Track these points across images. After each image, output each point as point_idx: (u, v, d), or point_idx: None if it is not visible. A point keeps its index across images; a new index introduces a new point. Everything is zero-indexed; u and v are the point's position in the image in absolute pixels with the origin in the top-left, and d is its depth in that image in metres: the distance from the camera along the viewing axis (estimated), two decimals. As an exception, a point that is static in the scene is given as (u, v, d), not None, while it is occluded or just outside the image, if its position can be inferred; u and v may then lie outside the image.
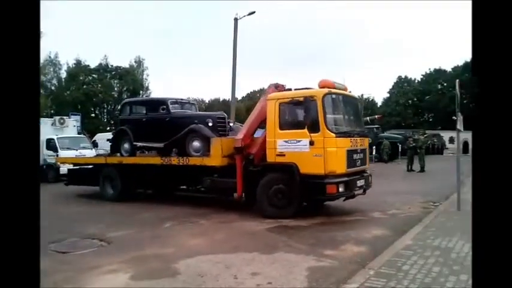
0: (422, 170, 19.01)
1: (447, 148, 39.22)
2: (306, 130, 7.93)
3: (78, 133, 20.82)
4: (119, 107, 13.91)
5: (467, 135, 41.11)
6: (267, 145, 8.53)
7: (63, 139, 17.88)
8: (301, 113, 8.14)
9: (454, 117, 8.88)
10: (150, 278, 4.89)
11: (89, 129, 33.25)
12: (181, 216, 8.76)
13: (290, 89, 9.14)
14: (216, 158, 9.11)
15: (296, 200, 8.29)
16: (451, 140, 38.37)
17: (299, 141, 8.03)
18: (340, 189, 7.88)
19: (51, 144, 17.47)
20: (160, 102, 11.17)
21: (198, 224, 8.13)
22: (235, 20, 24.09)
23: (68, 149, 17.03)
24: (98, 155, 15.92)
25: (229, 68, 24.49)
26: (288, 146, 8.17)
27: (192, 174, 9.95)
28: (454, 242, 5.96)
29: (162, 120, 10.73)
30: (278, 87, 9.13)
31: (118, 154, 11.83)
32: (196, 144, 9.87)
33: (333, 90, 8.32)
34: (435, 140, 36.52)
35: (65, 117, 20.63)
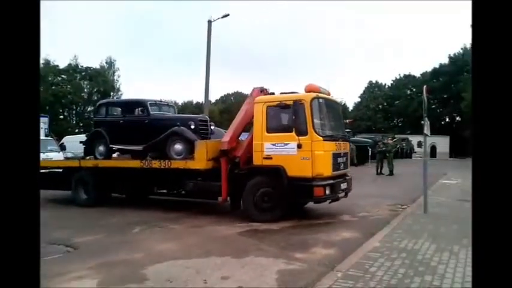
0: (391, 173, 19.47)
1: (416, 152, 40.32)
2: (293, 133, 8.03)
3: (46, 135, 20.20)
4: (95, 108, 13.30)
5: (435, 140, 42.63)
6: (253, 148, 8.54)
7: (29, 141, 17.31)
8: (289, 116, 8.24)
9: (422, 122, 9.14)
10: (117, 284, 4.79)
11: (57, 131, 32.32)
12: (151, 221, 8.62)
13: (273, 93, 9.25)
14: (200, 161, 8.97)
15: (282, 203, 8.31)
16: (420, 144, 39.45)
17: (286, 144, 8.10)
18: (327, 192, 8.03)
19: (16, 147, 16.88)
20: (139, 104, 10.87)
21: (168, 228, 8.03)
22: (209, 22, 24.04)
23: (34, 151, 16.50)
24: (66, 158, 15.50)
25: (203, 71, 24.41)
26: (275, 149, 8.22)
27: (173, 177, 9.73)
28: (420, 244, 6.13)
29: (140, 122, 10.43)
30: (263, 91, 9.19)
31: (90, 157, 11.42)
32: (178, 147, 9.68)
33: (320, 95, 8.46)
34: (404, 144, 37.51)
35: (31, 119, 19.98)
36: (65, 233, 7.53)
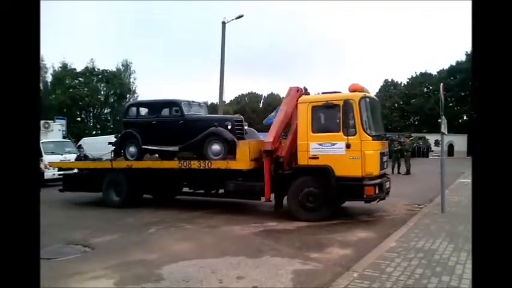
0: (408, 172, 19.24)
1: (432, 151, 39.75)
2: (341, 133, 8.03)
3: (63, 137, 20.58)
4: (124, 109, 13.06)
5: (452, 138, 41.95)
6: (298, 148, 8.53)
7: (48, 143, 17.65)
8: (335, 116, 8.20)
9: (439, 120, 9.00)
10: (134, 283, 4.84)
11: (74, 133, 32.90)
12: (167, 221, 8.71)
13: (309, 92, 9.31)
14: (243, 162, 8.97)
15: (329, 203, 8.32)
16: (437, 143, 38.84)
17: (334, 144, 8.09)
18: (377, 191, 8.02)
19: (35, 149, 17.24)
20: (172, 104, 10.78)
21: (183, 228, 8.08)
22: (223, 23, 24.12)
23: (53, 153, 16.81)
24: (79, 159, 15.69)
25: (217, 71, 24.49)
26: (322, 149, 8.21)
27: (212, 178, 9.71)
28: (438, 243, 6.04)
29: (175, 122, 10.35)
30: (299, 91, 9.19)
31: (120, 158, 11.34)
32: (216, 147, 9.63)
33: (367, 94, 8.47)
34: (421, 143, 37.03)
35: (50, 121, 20.40)
36: (82, 234, 7.64)
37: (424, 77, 59.68)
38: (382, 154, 8.46)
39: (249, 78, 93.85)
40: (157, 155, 11.32)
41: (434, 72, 58.73)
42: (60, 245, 6.91)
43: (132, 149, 10.86)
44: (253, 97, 71.33)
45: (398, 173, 19.55)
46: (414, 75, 60.93)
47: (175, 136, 10.18)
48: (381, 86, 62.94)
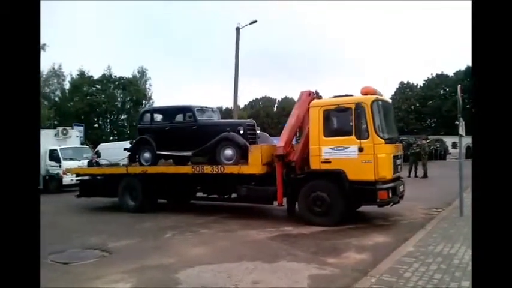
0: (425, 175, 18.93)
1: (450, 153, 39.02)
2: (353, 137, 7.97)
3: (81, 144, 20.91)
4: (139, 116, 13.30)
5: (470, 140, 41.14)
6: (310, 152, 8.48)
7: (66, 150, 17.98)
8: (347, 119, 8.14)
9: (456, 122, 8.85)
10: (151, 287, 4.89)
11: (92, 139, 33.37)
12: (183, 226, 8.76)
13: (321, 96, 9.25)
14: (255, 166, 8.99)
15: (338, 208, 8.19)
16: (454, 145, 38.15)
17: (346, 147, 8.01)
18: (390, 195, 7.91)
19: (54, 155, 17.59)
20: (186, 110, 10.90)
21: (199, 233, 8.12)
22: (237, 29, 24.24)
23: (71, 159, 17.11)
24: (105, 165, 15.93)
25: (231, 76, 24.57)
26: (334, 153, 8.13)
27: (225, 182, 9.80)
28: (457, 248, 5.92)
29: (188, 128, 10.48)
30: (311, 95, 9.17)
31: (135, 164, 11.52)
32: (228, 152, 9.69)
33: (379, 97, 8.37)
34: (438, 145, 36.38)
35: (68, 128, 20.72)
36: (100, 238, 7.75)
37: (441, 79, 58.87)
38: (395, 157, 8.34)
39: (263, 82, 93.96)
40: (171, 160, 11.44)
41: (450, 73, 57.91)
42: (78, 249, 7.02)
43: (146, 155, 11.02)
44: (267, 101, 71.35)
45: (416, 176, 19.25)
46: (430, 77, 60.18)
47: (189, 141, 10.29)
48: (397, 89, 62.33)
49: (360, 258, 5.89)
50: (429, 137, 32.88)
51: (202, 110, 10.98)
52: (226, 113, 54.40)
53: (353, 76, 76.39)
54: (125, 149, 12.18)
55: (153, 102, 50.26)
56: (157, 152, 10.78)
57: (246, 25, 24.18)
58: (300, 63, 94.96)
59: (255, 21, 24.11)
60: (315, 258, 5.91)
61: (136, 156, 11.38)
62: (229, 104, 41.62)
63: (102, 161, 17.92)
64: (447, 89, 56.16)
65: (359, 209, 9.47)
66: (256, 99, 71.98)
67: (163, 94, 74.57)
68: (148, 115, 11.84)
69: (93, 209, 11.96)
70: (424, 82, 60.67)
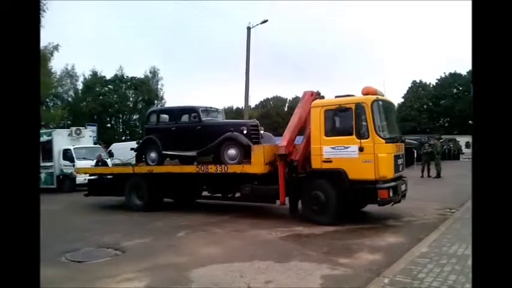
0: (438, 175, 18.74)
1: (463, 153, 38.51)
2: (354, 136, 8.05)
3: (94, 143, 21.14)
4: (145, 116, 13.59)
5: (485, 140, 40.53)
6: (312, 151, 8.59)
7: (80, 149, 18.19)
8: (348, 119, 8.20)
9: (470, 122, 8.76)
10: (164, 286, 4.93)
11: (104, 139, 33.71)
12: (195, 225, 8.81)
13: (323, 96, 9.34)
14: (258, 166, 9.11)
15: (333, 207, 8.26)
16: (468, 145, 37.71)
17: (347, 147, 8.11)
18: (391, 194, 7.98)
19: (67, 155, 17.80)
20: (191, 110, 11.12)
21: (211, 232, 8.15)
22: (248, 29, 24.28)
23: (84, 159, 17.30)
24: (115, 165, 16.14)
25: (242, 76, 24.62)
26: (335, 152, 8.24)
27: (229, 181, 9.97)
28: (471, 249, 5.84)
29: (193, 128, 10.68)
30: (313, 94, 9.31)
31: (142, 164, 11.72)
32: (232, 152, 9.86)
33: (379, 97, 8.42)
34: (451, 145, 35.98)
35: (81, 127, 20.97)
36: (113, 237, 7.83)
37: (454, 78, 58.11)
38: (396, 157, 8.40)
39: (273, 81, 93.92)
40: (177, 160, 11.64)
41: (464, 72, 57.12)
42: (92, 248, 7.10)
43: (153, 155, 11.25)
44: (278, 101, 71.19)
45: (429, 176, 19.07)
46: (443, 76, 59.47)
47: (194, 141, 10.48)
48: (409, 88, 61.71)
49: (373, 259, 5.86)
50: (442, 136, 32.56)
51: (207, 110, 11.19)
52: (237, 112, 54.56)
53: (365, 75, 75.84)
54: (131, 149, 12.48)
55: (164, 102, 50.66)
56: (163, 152, 10.99)
57: (257, 24, 24.23)
58: (311, 63, 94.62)
59: (266, 21, 24.13)
60: (327, 259, 5.89)
61: (143, 156, 11.60)
62: (241, 104, 41.72)
63: (115, 161, 18.16)
64: (460, 88, 55.46)
65: (371, 209, 9.42)
66: (267, 98, 71.89)
67: (174, 94, 74.93)
68: (154, 116, 12.08)
69: (106, 208, 12.10)
70: (437, 81, 59.97)
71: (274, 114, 60.00)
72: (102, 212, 11.65)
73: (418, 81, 61.66)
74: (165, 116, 11.80)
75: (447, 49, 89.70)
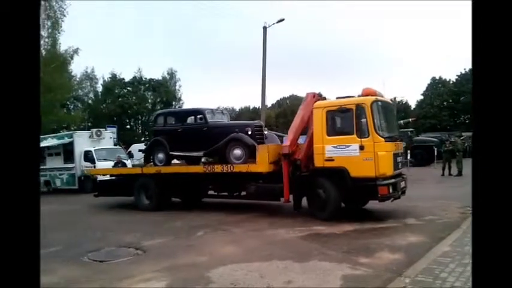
0: (459, 173, 18.36)
1: (486, 150, 37.67)
2: (355, 135, 8.35)
3: (115, 144, 21.46)
4: (153, 118, 14.11)
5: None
6: (314, 151, 8.90)
7: (100, 151, 18.50)
8: (349, 119, 8.51)
9: None
10: (184, 286, 4.97)
11: (124, 140, 34.21)
12: (213, 224, 8.87)
13: (325, 98, 9.67)
14: (262, 165, 9.43)
15: (332, 204, 8.57)
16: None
17: (348, 146, 8.41)
18: (390, 191, 8.26)
19: (89, 156, 18.13)
20: (197, 112, 11.54)
21: (230, 232, 8.19)
22: (264, 28, 24.23)
23: (105, 160, 17.58)
24: (134, 166, 16.41)
25: (259, 75, 24.57)
26: (337, 151, 8.55)
27: (235, 180, 10.27)
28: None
29: (199, 129, 11.00)
30: (315, 96, 9.60)
31: (150, 164, 12.08)
32: (237, 152, 10.17)
33: (379, 98, 8.71)
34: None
35: (101, 129, 21.31)
36: (134, 237, 7.94)
37: (475, 73, 56.86)
38: (395, 155, 8.70)
39: (290, 80, 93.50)
40: (183, 161, 12.00)
41: (485, 68, 55.82)
42: (113, 247, 7.21)
43: (160, 155, 11.59)
44: (295, 100, 70.67)
45: (450, 174, 18.69)
46: (463, 72, 58.23)
47: (200, 142, 10.82)
48: (428, 84, 60.66)
49: (394, 258, 5.77)
50: (463, 133, 31.89)
51: (213, 112, 11.58)
52: (254, 112, 54.59)
53: (381, 73, 74.83)
54: (139, 151, 12.81)
55: (182, 103, 51.15)
56: (170, 153, 11.34)
57: (273, 24, 24.16)
58: (327, 61, 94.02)
59: (282, 20, 24.05)
60: (347, 258, 5.85)
61: (151, 157, 11.95)
62: (257, 104, 41.72)
63: (135, 161, 18.40)
64: (481, 84, 54.23)
65: (391, 207, 9.34)
66: (284, 97, 71.72)
67: (192, 95, 75.42)
68: (161, 118, 12.42)
69: (125, 208, 12.26)
70: (457, 77, 58.78)
71: (290, 113, 59.79)
72: (122, 212, 11.83)
73: (437, 77, 60.59)
74: (171, 118, 12.16)
75: (466, 45, 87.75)
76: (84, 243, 7.59)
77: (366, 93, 8.65)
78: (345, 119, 8.61)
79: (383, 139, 8.23)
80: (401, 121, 24.79)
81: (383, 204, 9.15)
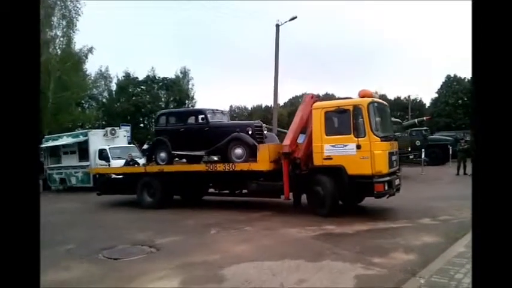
0: (475, 173, 18.06)
1: (502, 149, 37.01)
2: (352, 135, 8.69)
3: (129, 143, 21.63)
4: (155, 118, 14.36)
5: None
6: (313, 149, 9.26)
7: (115, 149, 18.67)
8: (346, 119, 8.86)
9: None
10: (197, 284, 5.00)
11: (138, 138, 34.50)
12: (225, 223, 8.91)
13: (322, 99, 10.23)
14: (263, 163, 9.75)
15: (329, 200, 8.96)
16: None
17: (346, 145, 8.78)
18: (386, 188, 8.60)
19: (103, 154, 18.30)
20: (198, 113, 11.91)
21: (242, 230, 8.21)
22: (277, 26, 24.13)
23: (119, 158, 17.73)
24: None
25: (271, 74, 24.48)
26: (335, 150, 8.93)
27: (236, 179, 10.51)
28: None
29: (201, 129, 11.29)
30: (313, 97, 10.11)
31: (152, 163, 12.37)
32: (238, 151, 10.49)
33: (375, 99, 9.12)
34: (489, 141, 34.63)
35: (116, 128, 21.49)
36: (147, 235, 8.01)
37: (491, 71, 55.92)
38: (391, 154, 9.06)
39: (302, 79, 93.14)
40: (185, 160, 12.28)
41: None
42: (127, 245, 7.29)
43: (162, 155, 11.88)
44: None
45: (465, 173, 18.36)
46: (480, 70, 57.26)
47: (202, 142, 11.13)
48: (443, 82, 59.83)
49: (408, 259, 5.73)
50: (479, 132, 31.28)
51: (214, 112, 11.89)
52: (266, 110, 54.45)
53: (395, 73, 74.22)
54: (142, 150, 12.95)
55: (195, 102, 51.30)
56: (173, 152, 11.62)
57: (286, 22, 24.03)
58: (342, 59, 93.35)
59: (294, 18, 23.89)
60: (360, 258, 5.81)
61: (153, 156, 12.24)
62: (269, 102, 41.63)
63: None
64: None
65: (405, 206, 9.27)
66: (296, 96, 71.45)
67: (205, 93, 75.65)
68: (164, 118, 12.66)
69: (137, 206, 12.32)
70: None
71: (303, 112, 59.50)
72: (134, 210, 11.91)
73: (452, 75, 59.74)
74: (173, 118, 12.38)
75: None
76: (98, 241, 7.69)
77: (363, 94, 9.05)
78: (343, 120, 8.96)
79: (379, 138, 8.59)
80: (416, 119, 24.52)
81: (396, 203, 9.11)
